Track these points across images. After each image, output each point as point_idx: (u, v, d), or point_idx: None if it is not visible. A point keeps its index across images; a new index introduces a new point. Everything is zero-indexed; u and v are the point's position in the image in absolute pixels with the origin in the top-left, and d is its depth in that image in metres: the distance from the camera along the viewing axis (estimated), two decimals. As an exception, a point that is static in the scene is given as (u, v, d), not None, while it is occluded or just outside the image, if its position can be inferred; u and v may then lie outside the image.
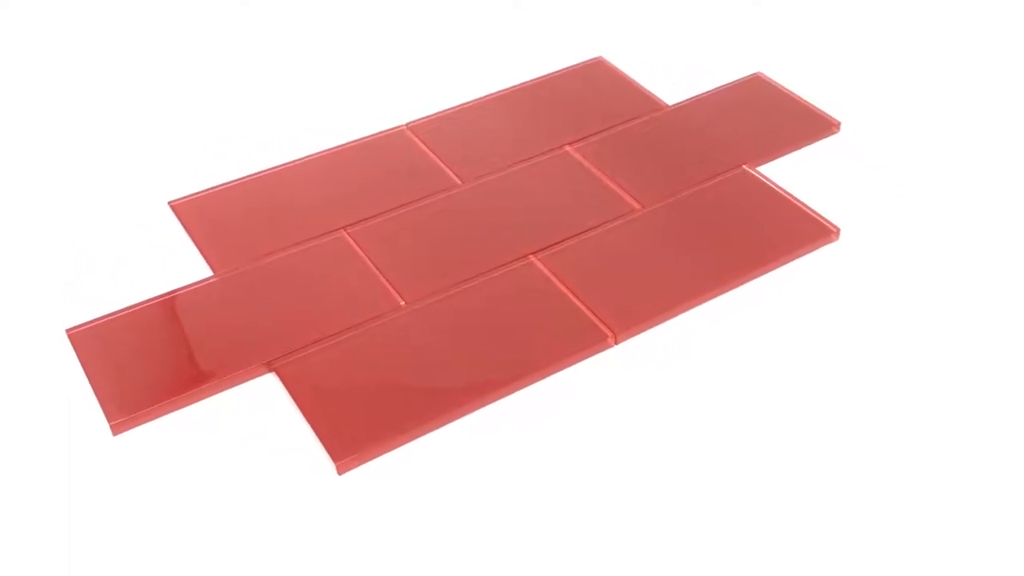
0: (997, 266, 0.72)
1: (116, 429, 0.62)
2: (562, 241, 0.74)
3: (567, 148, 0.82)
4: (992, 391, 0.64)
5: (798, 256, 0.73)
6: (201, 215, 0.77)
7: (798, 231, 0.75)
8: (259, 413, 0.64)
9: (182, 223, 0.76)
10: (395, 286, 0.71)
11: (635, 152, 0.82)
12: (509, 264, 0.72)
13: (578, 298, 0.70)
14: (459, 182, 0.79)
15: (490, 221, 0.76)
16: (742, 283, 0.71)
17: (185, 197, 0.78)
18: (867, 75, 0.90)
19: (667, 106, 0.87)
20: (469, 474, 0.61)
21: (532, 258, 0.73)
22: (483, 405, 0.64)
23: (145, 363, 0.66)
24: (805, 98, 0.86)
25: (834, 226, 0.75)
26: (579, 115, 0.86)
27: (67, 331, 0.68)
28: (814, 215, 0.75)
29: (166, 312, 0.69)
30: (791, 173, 0.80)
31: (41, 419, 0.63)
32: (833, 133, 0.84)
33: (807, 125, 0.84)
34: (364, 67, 0.93)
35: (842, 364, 0.66)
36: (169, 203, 0.78)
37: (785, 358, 0.66)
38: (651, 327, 0.69)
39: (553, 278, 0.71)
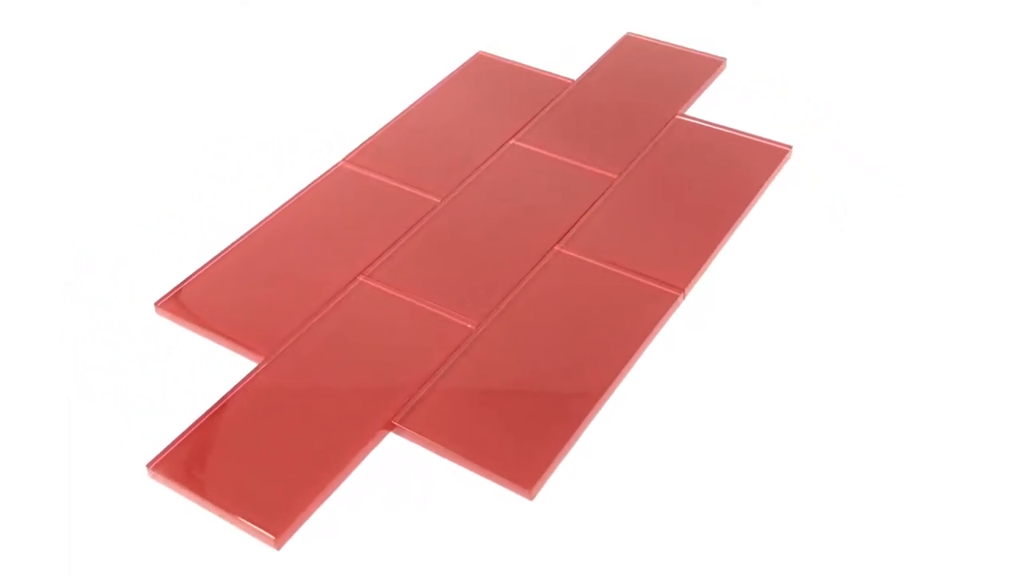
0: (994, 257, 0.73)
1: (280, 543, 0.57)
2: (572, 226, 0.75)
3: (512, 142, 0.83)
4: (992, 384, 0.65)
5: (773, 178, 0.79)
6: (199, 306, 0.70)
7: (759, 158, 0.81)
8: (391, 472, 0.61)
9: (187, 322, 0.69)
10: (452, 314, 0.69)
11: (575, 129, 0.84)
12: (540, 261, 0.72)
13: (624, 269, 0.72)
14: (436, 200, 0.77)
15: (493, 227, 0.75)
16: (747, 212, 0.76)
17: (168, 294, 0.70)
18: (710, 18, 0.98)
19: (572, 81, 0.89)
20: (643, 461, 0.61)
21: (557, 248, 0.73)
22: (612, 393, 0.64)
23: (259, 470, 0.60)
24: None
25: (785, 145, 0.82)
26: (499, 110, 0.86)
27: (148, 466, 0.60)
28: (763, 141, 0.82)
29: (238, 413, 0.63)
30: (709, 111, 0.87)
31: (41, 419, 0.63)
32: (722, 70, 0.91)
33: (697, 68, 0.91)
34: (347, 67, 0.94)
35: (846, 357, 0.67)
36: (156, 305, 0.70)
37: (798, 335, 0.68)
38: (702, 273, 0.72)
39: (589, 260, 0.72)
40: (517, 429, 0.62)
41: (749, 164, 0.80)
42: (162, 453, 0.60)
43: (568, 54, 0.93)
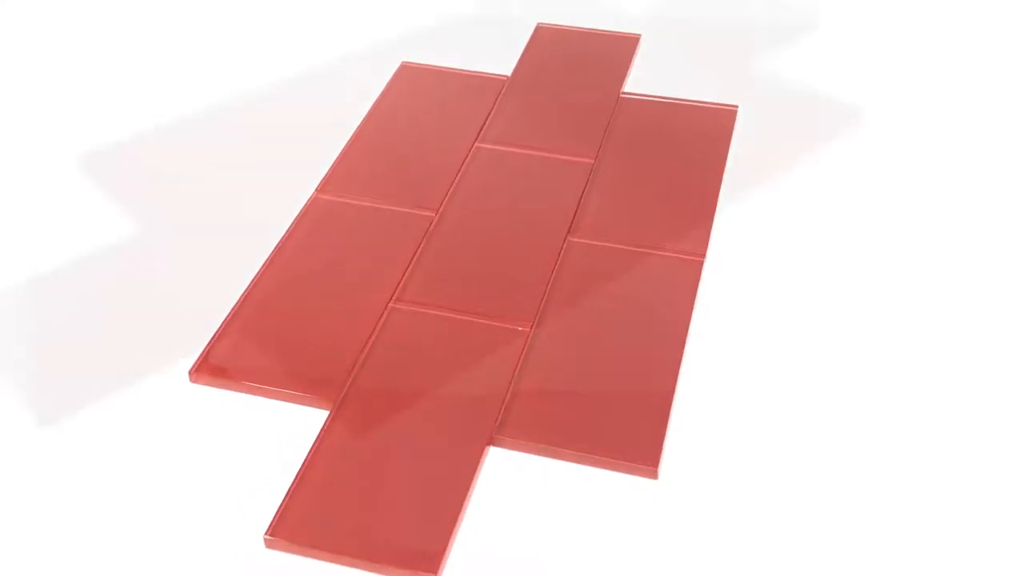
0: (993, 256, 0.74)
1: (439, 585, 0.55)
2: (574, 215, 0.76)
3: (478, 145, 0.82)
4: (991, 381, 0.66)
5: (731, 136, 0.83)
6: (234, 366, 0.66)
7: (711, 121, 0.84)
8: (498, 485, 0.60)
9: (229, 383, 0.65)
10: (499, 320, 0.68)
11: (531, 122, 0.85)
12: (559, 254, 0.73)
13: (639, 246, 0.73)
14: (431, 214, 0.76)
15: (498, 230, 0.75)
16: (722, 171, 0.80)
17: (197, 361, 0.66)
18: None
19: (506, 77, 0.90)
20: (736, 421, 0.63)
21: (570, 239, 0.74)
22: (680, 368, 0.66)
23: (383, 515, 0.57)
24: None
25: (731, 105, 0.86)
26: (448, 116, 0.86)
27: (266, 535, 0.56)
28: (710, 105, 0.86)
29: (335, 463, 0.60)
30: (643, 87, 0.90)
31: (41, 419, 0.64)
32: (637, 47, 0.94)
33: (618, 47, 0.93)
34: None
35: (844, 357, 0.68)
36: (190, 373, 0.65)
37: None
38: (710, 235, 0.74)
39: (604, 244, 0.74)
40: (616, 414, 0.62)
41: (706, 128, 0.84)
42: (275, 518, 0.57)
43: (478, 52, 0.94)
